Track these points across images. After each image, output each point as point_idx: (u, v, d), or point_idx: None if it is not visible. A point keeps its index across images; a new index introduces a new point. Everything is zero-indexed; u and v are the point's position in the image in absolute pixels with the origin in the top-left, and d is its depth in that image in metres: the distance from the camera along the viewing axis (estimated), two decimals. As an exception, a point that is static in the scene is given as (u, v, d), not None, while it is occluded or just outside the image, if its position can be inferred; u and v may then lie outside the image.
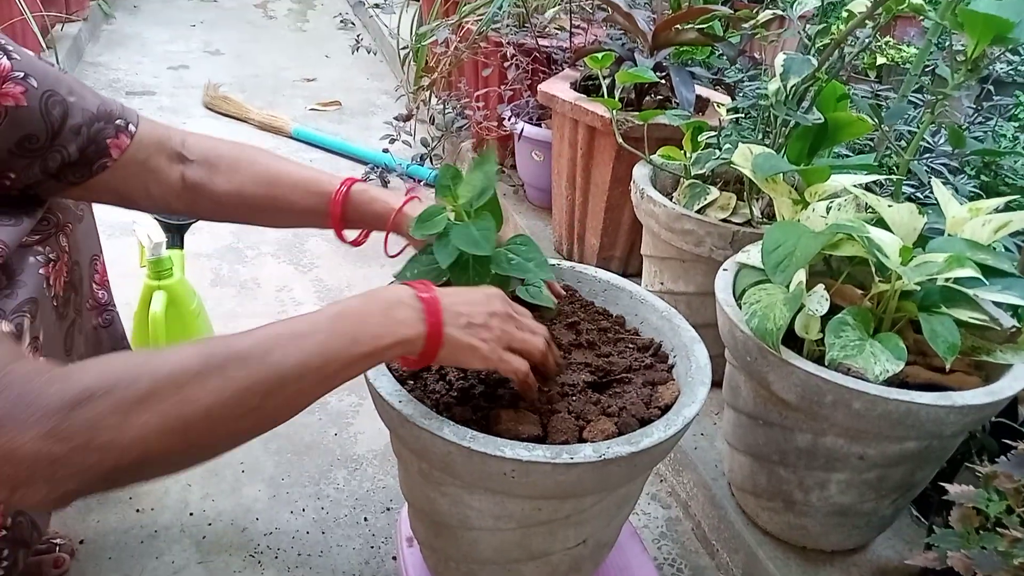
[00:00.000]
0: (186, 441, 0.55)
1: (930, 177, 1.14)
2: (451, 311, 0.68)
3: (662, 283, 1.37)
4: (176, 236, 1.36)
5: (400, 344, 0.65)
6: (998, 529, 0.78)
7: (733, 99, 1.59)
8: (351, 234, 0.94)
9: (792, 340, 0.93)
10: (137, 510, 1.16)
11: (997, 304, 0.96)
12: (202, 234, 1.96)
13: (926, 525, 1.13)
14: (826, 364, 0.88)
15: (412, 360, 0.69)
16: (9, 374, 0.51)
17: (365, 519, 1.19)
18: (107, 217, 2.05)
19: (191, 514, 1.17)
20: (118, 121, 0.81)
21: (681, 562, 1.18)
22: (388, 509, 1.21)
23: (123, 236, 1.95)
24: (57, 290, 0.81)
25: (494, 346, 0.70)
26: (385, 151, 2.45)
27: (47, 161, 0.77)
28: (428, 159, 2.42)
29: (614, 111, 1.40)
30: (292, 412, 0.62)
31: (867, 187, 1.15)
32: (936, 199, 1.03)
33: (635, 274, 1.65)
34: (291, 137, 2.73)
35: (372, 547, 1.14)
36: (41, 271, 0.77)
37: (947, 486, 0.86)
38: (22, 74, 0.73)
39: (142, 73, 3.31)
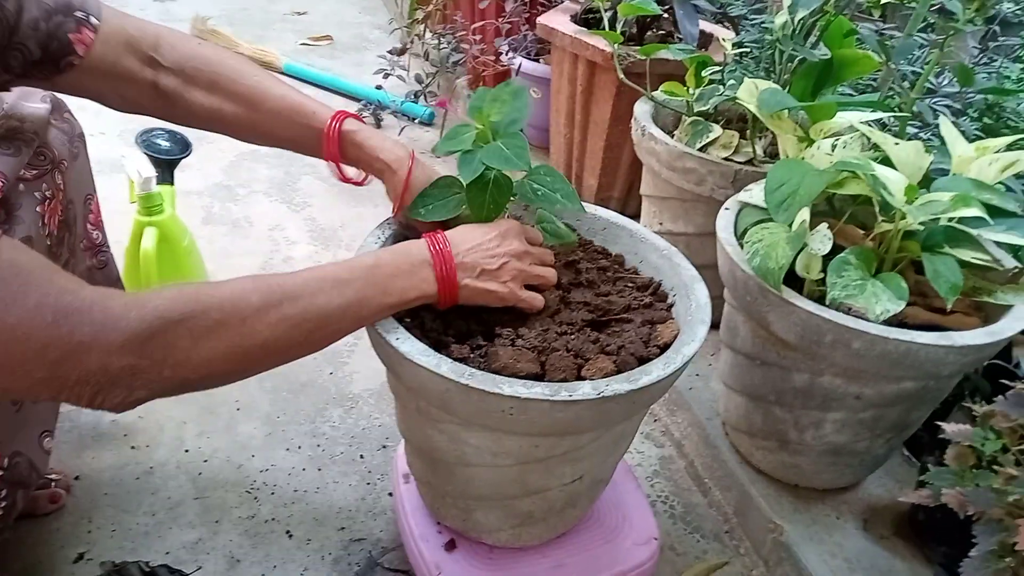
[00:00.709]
0: (243, 365, 0.65)
1: (938, 115, 1.11)
2: (465, 264, 0.75)
3: (661, 223, 1.35)
4: (166, 171, 1.33)
5: (421, 297, 0.74)
6: (993, 467, 0.79)
7: (737, 34, 1.55)
8: (348, 171, 0.90)
9: (792, 280, 0.92)
10: (132, 447, 1.16)
11: (999, 244, 0.95)
12: (192, 171, 1.93)
13: (917, 464, 1.14)
14: (827, 304, 0.87)
15: (438, 304, 0.77)
16: (85, 299, 0.57)
17: (361, 456, 1.19)
18: (96, 153, 2.00)
19: (186, 451, 1.17)
20: (78, 13, 0.75)
21: (674, 499, 1.19)
22: (384, 447, 1.22)
23: (112, 173, 1.91)
24: (52, 228, 0.79)
25: (511, 288, 0.77)
26: (378, 87, 2.40)
27: (8, 60, 0.72)
28: (423, 96, 2.37)
29: (616, 45, 1.36)
30: (326, 345, 0.71)
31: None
32: (942, 139, 1.01)
33: (633, 215, 1.62)
34: (282, 73, 2.66)
35: (368, 484, 1.15)
36: (38, 208, 0.75)
37: (943, 425, 0.86)
38: None
39: (128, 6, 3.21)
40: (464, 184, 0.81)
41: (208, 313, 0.61)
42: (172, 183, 1.35)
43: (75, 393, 0.58)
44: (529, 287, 0.80)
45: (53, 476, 1.07)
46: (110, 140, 2.03)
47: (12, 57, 0.72)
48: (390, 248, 0.76)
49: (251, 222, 1.80)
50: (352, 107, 2.42)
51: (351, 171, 0.89)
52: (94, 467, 1.12)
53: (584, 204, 0.98)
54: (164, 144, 1.34)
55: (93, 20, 0.76)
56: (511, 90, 0.82)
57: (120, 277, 1.04)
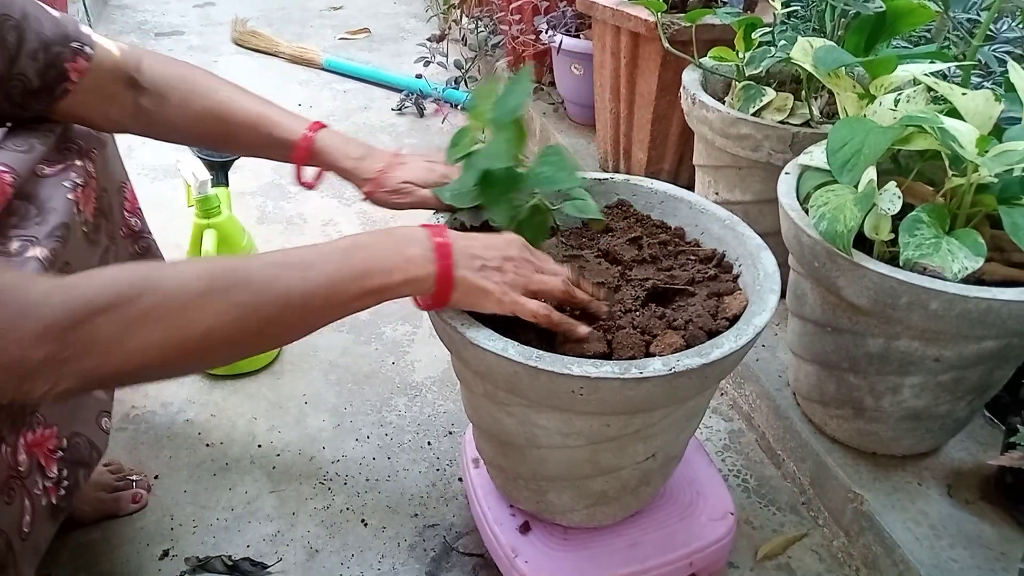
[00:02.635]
0: (184, 356, 0.58)
1: (1006, 61, 1.06)
2: (464, 253, 0.68)
3: (717, 193, 1.33)
4: (221, 174, 1.35)
5: (409, 283, 0.65)
6: (1088, 426, 0.76)
7: (784, -7, 1.50)
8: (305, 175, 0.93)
9: (860, 243, 0.89)
10: (207, 444, 1.19)
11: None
12: (244, 172, 1.96)
13: (1001, 426, 1.10)
14: (900, 265, 0.84)
15: (426, 302, 0.70)
16: (4, 284, 0.52)
17: (428, 443, 1.20)
18: (151, 160, 2.06)
19: (259, 446, 1.19)
20: (74, 44, 0.78)
21: (746, 473, 1.17)
22: (450, 433, 1.22)
23: (167, 178, 1.95)
24: (87, 216, 0.81)
25: (507, 289, 0.69)
26: (419, 76, 2.40)
27: (9, 91, 0.75)
28: (463, 81, 2.36)
29: (659, 14, 1.33)
30: (295, 337, 0.64)
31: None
32: (1009, 86, 0.96)
33: (685, 187, 1.60)
34: (323, 68, 2.68)
35: (437, 470, 1.15)
36: (70, 196, 0.76)
37: (1031, 384, 0.82)
38: None
39: (169, 13, 3.28)
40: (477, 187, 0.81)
41: (142, 299, 0.55)
42: (227, 185, 1.37)
43: None
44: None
45: (134, 477, 1.10)
46: (163, 146, 2.08)
47: (13, 87, 0.75)
48: (377, 230, 0.69)
49: (304, 219, 1.82)
50: (394, 98, 2.43)
51: (308, 174, 0.93)
52: (172, 466, 1.15)
53: (640, 178, 0.97)
54: (217, 147, 1.35)
55: (87, 49, 0.79)
56: (513, 79, 0.81)
57: (162, 258, 1.06)
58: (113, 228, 0.90)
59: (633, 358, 0.71)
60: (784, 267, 0.99)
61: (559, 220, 0.92)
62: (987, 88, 1.28)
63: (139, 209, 1.00)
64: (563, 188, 0.80)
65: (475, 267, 0.68)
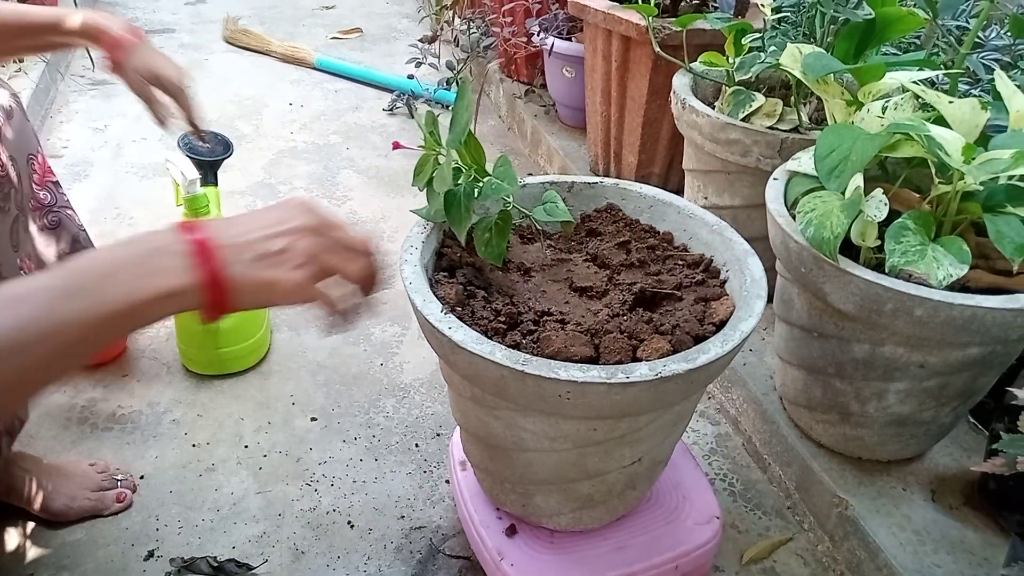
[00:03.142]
0: None
1: (993, 70, 1.07)
2: (233, 246, 0.55)
3: (706, 198, 1.33)
4: (210, 173, 1.34)
5: (167, 298, 0.52)
6: (1070, 433, 0.76)
7: (774, -1, 1.51)
8: None
9: (847, 249, 0.89)
10: (193, 445, 1.19)
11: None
12: (234, 171, 1.95)
13: (985, 432, 1.11)
14: (886, 271, 0.85)
15: (203, 313, 0.56)
16: None
17: (416, 445, 1.20)
18: (139, 158, 2.05)
19: (246, 447, 1.19)
20: None
21: (732, 477, 1.17)
22: (438, 435, 1.22)
23: (156, 177, 1.94)
24: None
25: (299, 277, 0.57)
26: (410, 77, 2.40)
27: None
28: (455, 83, 2.36)
29: (650, 18, 1.33)
30: (29, 390, 0.50)
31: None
32: (996, 94, 0.97)
33: (675, 191, 1.60)
34: (314, 68, 2.68)
35: (425, 472, 1.15)
36: None
37: (1014, 390, 0.83)
38: None
39: (160, 10, 3.26)
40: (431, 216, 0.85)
41: None
42: (216, 184, 1.36)
43: None
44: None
45: (119, 476, 1.09)
46: (152, 145, 2.07)
47: None
48: (120, 241, 0.54)
49: (294, 218, 1.81)
50: (385, 98, 2.43)
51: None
52: (158, 466, 1.14)
53: (628, 182, 0.97)
54: (205, 146, 1.35)
55: None
56: (457, 94, 0.82)
57: (84, 229, 1.03)
58: (22, 199, 0.89)
59: (620, 363, 0.72)
60: (771, 272, 0.99)
61: (545, 225, 0.93)
62: (974, 96, 1.29)
63: (52, 182, 0.99)
64: (505, 195, 0.81)
65: (252, 258, 0.55)
